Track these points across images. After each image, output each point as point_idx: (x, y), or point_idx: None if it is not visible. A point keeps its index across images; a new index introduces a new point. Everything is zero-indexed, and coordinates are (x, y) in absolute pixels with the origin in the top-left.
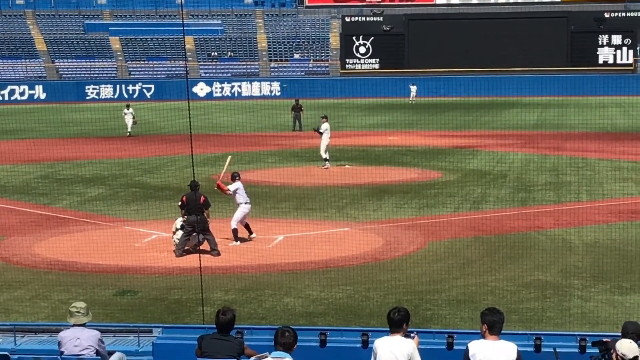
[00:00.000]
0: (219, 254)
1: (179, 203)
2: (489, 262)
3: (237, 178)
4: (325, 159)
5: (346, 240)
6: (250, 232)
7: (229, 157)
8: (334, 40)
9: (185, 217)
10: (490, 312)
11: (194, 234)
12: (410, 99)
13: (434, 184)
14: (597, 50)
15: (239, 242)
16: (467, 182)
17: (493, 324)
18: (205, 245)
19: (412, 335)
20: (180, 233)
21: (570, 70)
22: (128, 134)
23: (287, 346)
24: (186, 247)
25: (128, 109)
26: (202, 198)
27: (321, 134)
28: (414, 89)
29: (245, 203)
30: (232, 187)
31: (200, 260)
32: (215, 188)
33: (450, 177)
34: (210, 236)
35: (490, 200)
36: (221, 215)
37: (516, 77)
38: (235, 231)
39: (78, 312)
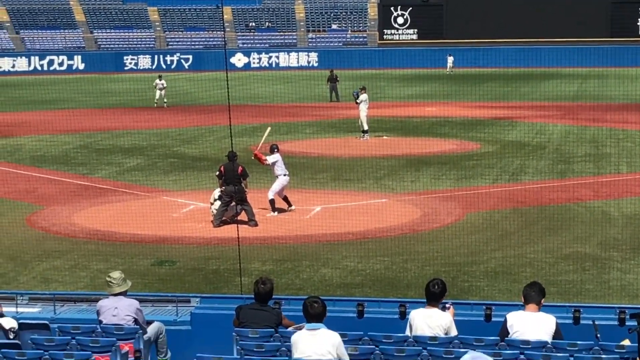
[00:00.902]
0: (256, 225)
1: (217, 173)
2: (527, 234)
3: (276, 150)
4: (365, 131)
5: (384, 212)
6: (290, 205)
7: (269, 127)
8: (372, 11)
9: (223, 187)
10: (527, 285)
11: (232, 204)
12: (448, 69)
13: (472, 155)
14: (637, 21)
15: (276, 213)
16: (505, 154)
17: (527, 296)
18: (243, 216)
19: (447, 306)
20: (218, 203)
21: (610, 41)
22: (164, 104)
23: (318, 317)
24: (224, 218)
25: (160, 80)
26: (240, 168)
27: (358, 104)
28: (450, 59)
29: (284, 175)
30: (270, 159)
31: (237, 231)
32: (253, 157)
33: (488, 149)
34: (248, 206)
35: (529, 172)
36: (259, 185)
37: (555, 47)
38: (272, 202)
39: (112, 282)
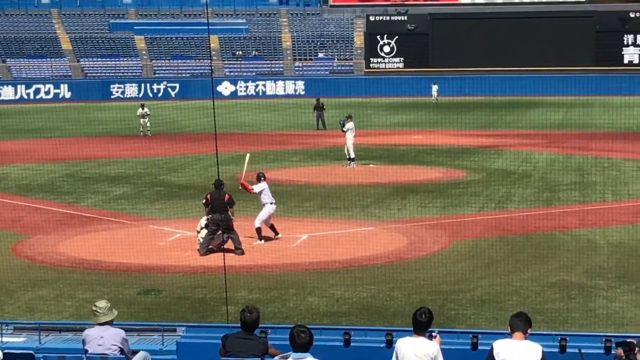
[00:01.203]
0: (243, 253)
1: (203, 201)
2: (513, 262)
3: (263, 178)
4: (351, 159)
5: (370, 240)
6: (276, 233)
7: (247, 154)
8: (358, 40)
9: (210, 215)
10: (514, 315)
11: (218, 233)
12: (433, 98)
13: (458, 183)
14: (622, 50)
15: (262, 241)
16: (491, 182)
17: (513, 325)
18: (230, 244)
19: (434, 334)
20: (204, 232)
21: (595, 69)
22: (148, 132)
23: (305, 346)
24: (210, 246)
25: (143, 109)
26: (227, 196)
27: (345, 132)
28: (435, 88)
29: (271, 203)
30: (257, 188)
31: (224, 259)
32: (240, 187)
33: (474, 177)
34: (235, 235)
35: (515, 200)
36: (245, 214)
37: (541, 76)
38: (259, 230)
39: (98, 311)
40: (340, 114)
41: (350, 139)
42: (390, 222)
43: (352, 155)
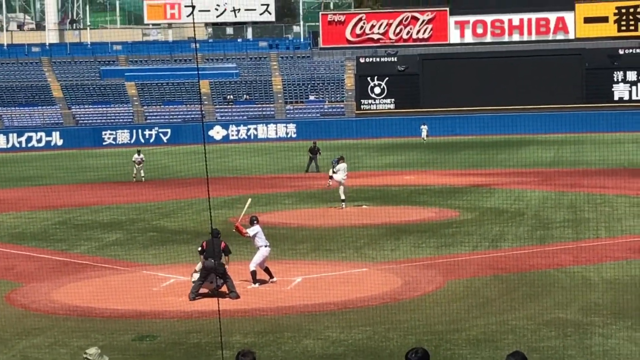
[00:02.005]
0: (237, 297)
1: (199, 249)
2: (508, 300)
3: (256, 222)
4: (342, 200)
5: (365, 281)
6: (271, 276)
7: (249, 199)
8: (349, 82)
9: (203, 261)
10: (510, 355)
11: (210, 278)
12: (423, 138)
13: (451, 222)
14: (612, 87)
15: (257, 285)
16: (484, 221)
17: None
18: (224, 288)
19: None
20: (196, 276)
21: (585, 107)
22: (142, 179)
23: None
24: (203, 291)
25: (139, 155)
26: (223, 244)
27: (331, 177)
28: (424, 128)
29: (265, 246)
30: (251, 231)
31: (218, 304)
32: (234, 230)
33: (467, 216)
34: (229, 279)
35: (509, 239)
36: (240, 257)
37: (531, 114)
38: (253, 273)
39: (88, 358)
40: (331, 156)
41: (341, 179)
42: (384, 263)
43: (343, 197)
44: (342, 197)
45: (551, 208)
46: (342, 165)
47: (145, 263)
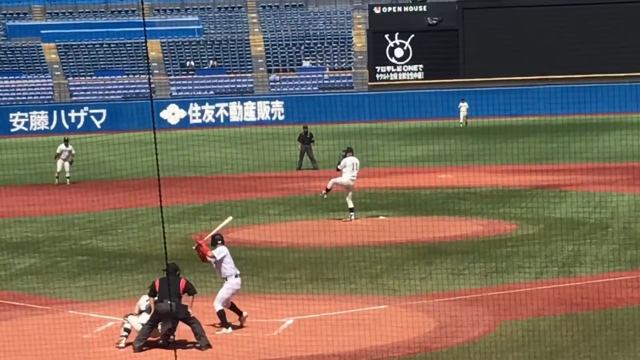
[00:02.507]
0: (209, 346)
1: (148, 291)
2: (587, 349)
3: (220, 242)
4: (351, 209)
5: (383, 323)
6: (240, 313)
7: (230, 218)
8: (359, 40)
9: (155, 304)
10: None
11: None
12: (461, 120)
13: (505, 239)
14: None
15: (230, 329)
16: (552, 237)
17: None
18: (186, 335)
19: None
20: (139, 318)
21: None
22: (67, 180)
23: None
24: (152, 339)
25: (67, 146)
26: (183, 282)
27: (339, 170)
28: (464, 106)
29: (235, 276)
30: (217, 253)
31: (175, 357)
32: (194, 248)
33: (528, 230)
34: (196, 322)
35: (587, 262)
36: (201, 290)
37: (621, 85)
38: (222, 314)
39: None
40: (335, 146)
41: (346, 180)
42: (410, 298)
43: (351, 205)
44: (350, 204)
45: None
46: (350, 161)
47: (72, 300)
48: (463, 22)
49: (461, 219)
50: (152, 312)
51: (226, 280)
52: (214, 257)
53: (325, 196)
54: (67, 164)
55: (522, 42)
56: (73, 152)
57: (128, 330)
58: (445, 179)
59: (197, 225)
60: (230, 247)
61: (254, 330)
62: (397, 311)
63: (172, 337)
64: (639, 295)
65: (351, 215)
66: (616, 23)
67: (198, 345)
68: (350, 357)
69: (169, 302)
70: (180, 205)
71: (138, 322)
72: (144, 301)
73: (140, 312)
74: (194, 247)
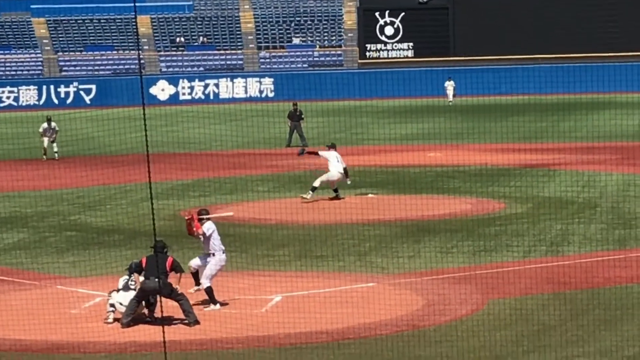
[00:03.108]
0: (197, 323)
1: (132, 266)
2: (574, 328)
3: (206, 217)
4: (313, 188)
5: (371, 301)
6: (198, 283)
7: (231, 213)
8: (349, 18)
9: (141, 281)
10: None
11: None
12: (448, 99)
13: (494, 218)
14: None
15: (218, 306)
16: (541, 216)
17: None
18: (174, 311)
19: None
20: (119, 295)
21: None
22: (55, 155)
23: None
24: (137, 312)
25: (50, 124)
26: (170, 260)
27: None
28: (450, 85)
29: (222, 252)
30: (206, 229)
31: (163, 333)
32: (186, 218)
33: (517, 209)
34: (184, 299)
35: (575, 241)
36: (186, 268)
37: (610, 65)
38: (209, 290)
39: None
40: (325, 124)
41: (336, 174)
42: (399, 276)
43: (317, 184)
44: (317, 184)
45: (635, 198)
46: (334, 154)
47: (61, 275)
48: (454, 0)
49: (450, 197)
50: (138, 288)
51: (213, 255)
52: (204, 233)
53: (308, 197)
54: (53, 143)
55: (512, 21)
56: (56, 128)
57: (113, 306)
58: (435, 157)
59: (185, 202)
60: (219, 224)
61: (242, 307)
62: (385, 289)
63: (153, 313)
64: (627, 275)
65: (310, 193)
66: (607, 2)
67: (186, 321)
68: (338, 335)
69: (155, 279)
70: (169, 181)
71: (117, 299)
72: (122, 281)
73: (119, 290)
74: (186, 218)
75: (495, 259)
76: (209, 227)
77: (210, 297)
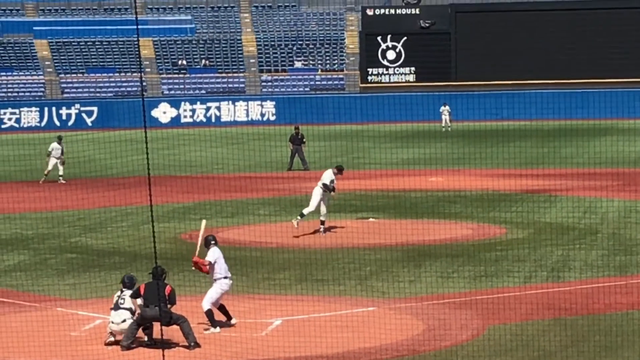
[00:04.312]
0: (197, 346)
1: (130, 293)
2: (574, 354)
3: (213, 242)
4: (322, 222)
5: (371, 325)
6: (229, 317)
7: (203, 221)
8: (351, 42)
9: (139, 311)
10: None
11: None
12: (443, 124)
13: (494, 243)
14: None
15: (218, 329)
16: (542, 241)
17: None
18: (174, 334)
19: None
20: (119, 314)
21: None
22: (60, 179)
23: None
24: (138, 335)
25: (60, 143)
26: (168, 288)
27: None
28: (446, 110)
29: (225, 278)
30: (211, 257)
31: (163, 356)
32: (193, 267)
33: (518, 234)
34: (185, 321)
35: (576, 267)
36: (190, 290)
37: (612, 91)
38: (209, 314)
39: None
40: (326, 148)
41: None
42: (399, 300)
43: (307, 211)
44: (323, 215)
45: (637, 224)
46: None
47: (61, 297)
48: (455, 25)
49: (451, 222)
50: (137, 314)
51: (216, 281)
52: (210, 263)
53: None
54: (60, 164)
55: (513, 46)
56: (64, 150)
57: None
58: (436, 182)
59: (186, 225)
60: (220, 247)
61: (242, 330)
62: (385, 313)
63: (152, 336)
64: (627, 301)
65: (321, 228)
66: (607, 28)
67: (186, 344)
68: (338, 359)
69: (155, 306)
70: (170, 204)
71: (110, 317)
72: (115, 295)
73: (118, 308)
74: (192, 267)
75: (496, 285)
76: (214, 255)
77: (211, 320)
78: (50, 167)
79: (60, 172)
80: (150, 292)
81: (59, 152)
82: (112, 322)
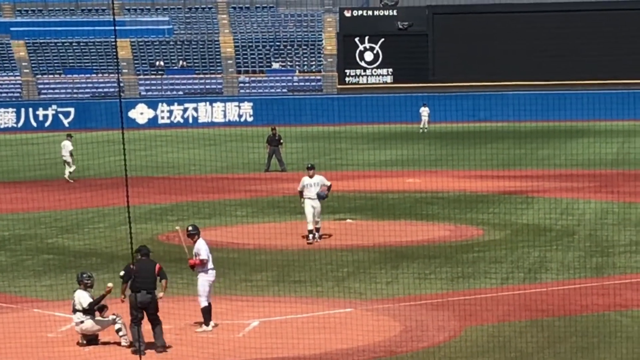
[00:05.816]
0: (164, 349)
1: (122, 273)
2: (551, 355)
3: (197, 234)
4: (310, 231)
5: (348, 326)
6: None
7: (177, 228)
8: (329, 43)
9: (123, 296)
10: None
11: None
12: (422, 125)
13: (472, 244)
14: None
15: (210, 327)
16: (519, 243)
17: None
18: (147, 336)
19: None
20: (84, 295)
21: None
22: (69, 176)
23: None
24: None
25: (70, 138)
26: (158, 266)
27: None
28: (425, 111)
29: (211, 269)
30: (202, 252)
31: (140, 357)
32: (193, 269)
33: (494, 235)
34: (159, 323)
35: (552, 268)
36: (173, 291)
37: (588, 93)
38: (206, 310)
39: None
40: (303, 148)
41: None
42: (376, 301)
43: (310, 226)
44: (310, 225)
45: (613, 225)
46: (317, 179)
47: (37, 298)
48: (433, 27)
49: (428, 223)
50: (131, 306)
51: (199, 275)
52: (205, 258)
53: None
54: (70, 161)
55: (491, 48)
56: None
57: (120, 330)
58: (413, 184)
59: (163, 226)
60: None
61: (219, 331)
62: (362, 314)
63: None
64: (604, 303)
65: (314, 235)
66: (584, 31)
67: (156, 347)
68: None
69: (147, 293)
70: (148, 205)
71: (86, 325)
72: (83, 297)
73: (83, 308)
74: (193, 270)
75: (473, 286)
76: (202, 246)
77: (206, 317)
78: (70, 170)
79: (70, 169)
80: (143, 272)
81: (70, 151)
82: (75, 325)
